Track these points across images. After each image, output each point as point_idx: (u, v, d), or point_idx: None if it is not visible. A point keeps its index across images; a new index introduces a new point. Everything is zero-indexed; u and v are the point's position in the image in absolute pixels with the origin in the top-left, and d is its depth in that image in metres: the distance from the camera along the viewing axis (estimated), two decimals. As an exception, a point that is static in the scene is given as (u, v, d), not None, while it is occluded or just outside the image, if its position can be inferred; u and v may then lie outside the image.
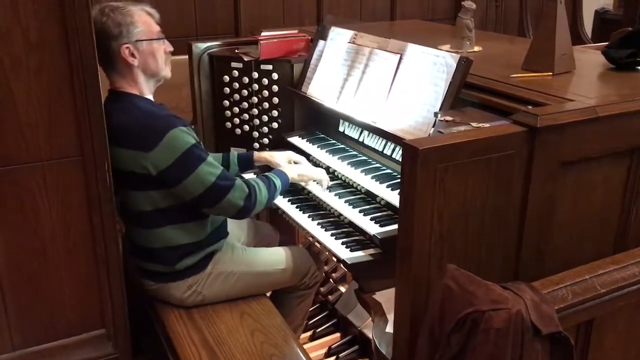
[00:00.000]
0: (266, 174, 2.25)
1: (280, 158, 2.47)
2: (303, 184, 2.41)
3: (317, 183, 2.40)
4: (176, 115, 2.05)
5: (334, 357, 2.56)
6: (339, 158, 2.47)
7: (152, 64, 2.08)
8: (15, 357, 1.99)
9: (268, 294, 2.40)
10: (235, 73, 2.76)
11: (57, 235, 1.94)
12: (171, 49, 2.18)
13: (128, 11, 2.02)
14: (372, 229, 2.06)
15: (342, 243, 2.12)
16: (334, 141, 2.66)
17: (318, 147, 2.61)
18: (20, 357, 2.00)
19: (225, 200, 2.01)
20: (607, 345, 1.78)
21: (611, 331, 1.78)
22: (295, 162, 2.49)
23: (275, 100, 2.75)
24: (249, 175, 2.52)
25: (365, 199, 2.27)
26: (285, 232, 2.86)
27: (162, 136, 1.93)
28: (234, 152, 2.49)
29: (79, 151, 1.88)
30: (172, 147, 1.94)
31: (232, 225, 2.38)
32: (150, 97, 2.13)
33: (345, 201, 2.26)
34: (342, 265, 2.49)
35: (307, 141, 2.68)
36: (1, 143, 1.79)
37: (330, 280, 2.93)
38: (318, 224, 2.27)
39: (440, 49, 2.21)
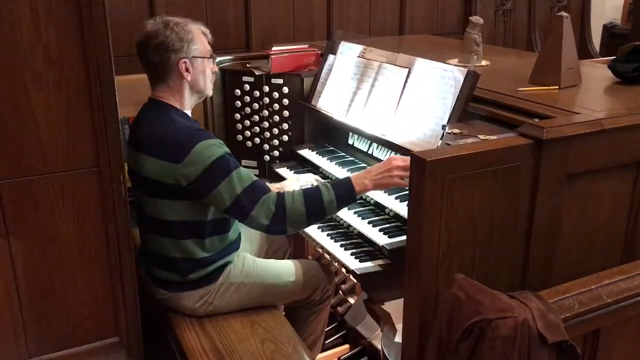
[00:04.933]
0: (318, 185, 2.09)
1: (291, 183, 2.46)
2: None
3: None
4: (207, 132, 2.12)
5: (343, 368, 2.57)
6: (348, 170, 2.50)
7: (201, 80, 2.17)
8: (31, 364, 2.03)
9: (282, 311, 2.40)
10: (247, 87, 2.81)
11: (73, 245, 1.98)
12: (216, 69, 2.28)
13: (189, 28, 2.12)
14: (381, 240, 2.09)
15: (352, 254, 2.15)
16: (343, 153, 2.70)
17: (328, 159, 2.65)
18: (36, 364, 2.04)
19: (250, 218, 2.00)
20: (615, 355, 1.79)
21: (619, 341, 1.78)
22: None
23: (286, 113, 2.80)
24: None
25: (374, 211, 2.30)
26: (294, 242, 2.88)
27: (190, 148, 1.99)
28: None
29: (96, 163, 1.92)
30: (200, 158, 1.99)
31: (244, 236, 2.41)
32: (189, 112, 2.20)
33: (355, 212, 2.29)
34: (351, 276, 2.50)
35: (317, 153, 2.72)
36: (21, 154, 1.84)
37: (340, 292, 2.94)
38: (328, 234, 2.29)
39: (449, 63, 2.25)
